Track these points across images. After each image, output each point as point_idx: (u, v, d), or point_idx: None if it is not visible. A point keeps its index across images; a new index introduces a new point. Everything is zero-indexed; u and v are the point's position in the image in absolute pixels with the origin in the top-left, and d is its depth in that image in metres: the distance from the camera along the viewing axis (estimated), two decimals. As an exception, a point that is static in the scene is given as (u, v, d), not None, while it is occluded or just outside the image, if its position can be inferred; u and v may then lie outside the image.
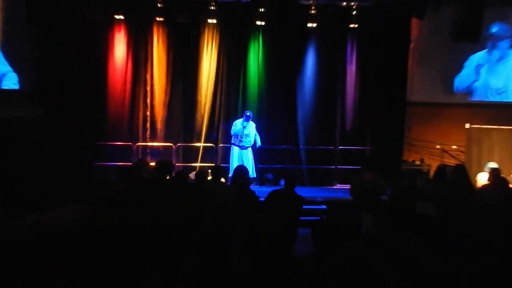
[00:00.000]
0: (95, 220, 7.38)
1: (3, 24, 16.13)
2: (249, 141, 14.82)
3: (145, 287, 6.98)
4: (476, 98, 18.03)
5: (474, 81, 18.03)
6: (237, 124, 14.84)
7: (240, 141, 14.77)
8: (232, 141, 15.07)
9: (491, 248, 4.89)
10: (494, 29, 17.77)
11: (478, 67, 17.99)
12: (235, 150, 14.92)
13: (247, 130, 14.73)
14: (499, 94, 18.10)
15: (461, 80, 18.00)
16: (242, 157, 14.66)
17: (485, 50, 17.79)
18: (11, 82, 16.21)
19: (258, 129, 15.12)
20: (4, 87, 16.19)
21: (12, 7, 15.63)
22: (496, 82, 18.09)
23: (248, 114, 14.74)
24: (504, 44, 17.89)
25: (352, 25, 16.58)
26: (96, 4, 14.84)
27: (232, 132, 14.94)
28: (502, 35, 17.81)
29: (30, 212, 7.39)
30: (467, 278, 3.97)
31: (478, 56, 17.86)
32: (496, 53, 18.00)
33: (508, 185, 9.38)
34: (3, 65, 16.17)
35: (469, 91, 18.06)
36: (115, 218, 7.62)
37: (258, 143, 14.93)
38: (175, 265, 5.23)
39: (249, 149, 14.90)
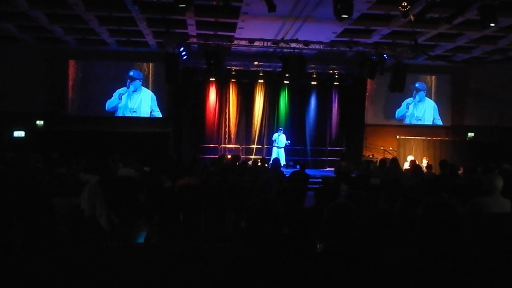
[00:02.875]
0: (201, 184, 7.63)
1: (152, 82, 16.55)
2: (282, 144, 15.07)
3: (225, 217, 7.22)
4: (407, 122, 17.97)
5: (406, 113, 17.96)
6: (275, 135, 15.29)
7: (277, 143, 15.12)
8: (273, 145, 15.39)
9: (409, 197, 5.00)
10: (417, 84, 17.76)
11: (408, 105, 17.89)
12: (274, 149, 15.19)
13: (280, 138, 15.07)
14: (418, 120, 18.02)
15: (399, 112, 17.93)
16: (278, 153, 14.91)
17: (413, 97, 17.82)
18: (156, 113, 16.60)
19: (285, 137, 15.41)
20: (153, 116, 16.57)
21: (158, 71, 15.97)
22: (417, 113, 18.00)
23: (280, 128, 15.44)
24: (422, 93, 17.89)
25: (335, 83, 16.57)
26: (200, 72, 15.06)
27: (273, 139, 15.37)
28: (421, 88, 17.81)
29: (168, 180, 7.65)
30: (398, 212, 4.12)
31: (409, 99, 17.84)
32: (417, 98, 17.91)
33: (420, 169, 9.37)
34: (154, 104, 16.60)
35: (403, 118, 17.96)
36: (211, 183, 7.85)
37: (287, 142, 15.22)
38: (242, 205, 5.41)
39: (282, 149, 15.10)
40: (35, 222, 5.02)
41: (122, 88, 16.45)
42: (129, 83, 16.46)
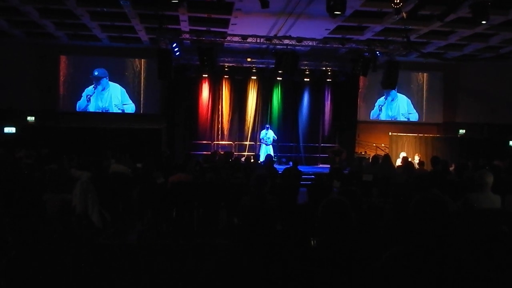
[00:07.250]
0: (193, 180, 7.62)
1: (145, 78, 16.46)
2: (270, 141, 15.01)
3: (218, 214, 7.20)
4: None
5: (379, 114, 17.84)
6: (263, 133, 15.23)
7: (265, 141, 15.04)
8: (261, 142, 15.34)
9: (401, 193, 5.01)
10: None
11: (380, 107, 17.79)
12: (263, 146, 15.13)
13: (268, 135, 15.03)
14: (392, 118, 17.88)
15: (373, 113, 17.82)
16: (268, 150, 14.87)
17: (384, 97, 17.76)
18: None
19: (277, 135, 15.41)
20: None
21: (150, 68, 15.86)
22: (390, 113, 17.85)
23: (267, 126, 15.37)
24: (393, 91, 17.45)
25: (328, 79, 16.55)
26: (193, 68, 14.99)
27: (261, 137, 15.26)
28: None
29: (161, 177, 7.62)
30: (390, 208, 4.13)
31: (380, 100, 17.80)
32: (389, 98, 17.75)
33: (412, 165, 9.41)
34: (125, 97, 16.33)
35: (377, 118, 17.88)
36: (204, 179, 7.84)
37: (274, 137, 15.15)
38: (236, 203, 5.41)
39: (270, 145, 15.05)
40: (26, 219, 4.98)
41: (89, 88, 16.04)
42: (96, 84, 16.06)
